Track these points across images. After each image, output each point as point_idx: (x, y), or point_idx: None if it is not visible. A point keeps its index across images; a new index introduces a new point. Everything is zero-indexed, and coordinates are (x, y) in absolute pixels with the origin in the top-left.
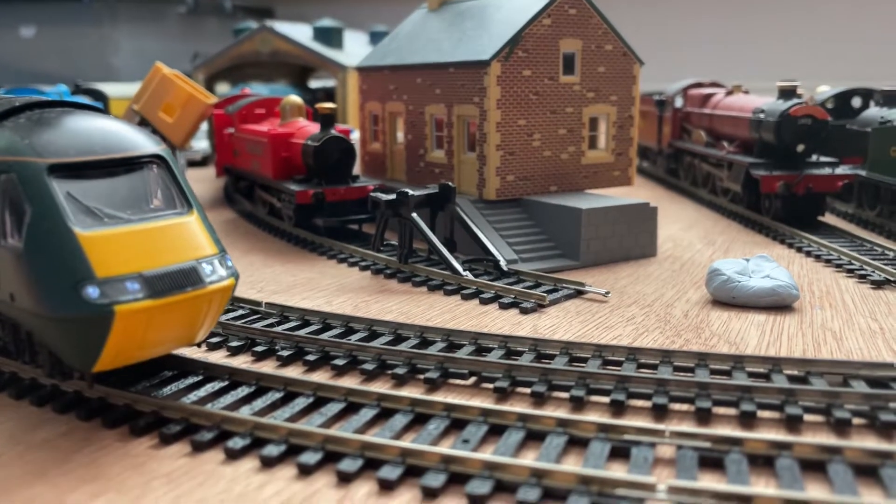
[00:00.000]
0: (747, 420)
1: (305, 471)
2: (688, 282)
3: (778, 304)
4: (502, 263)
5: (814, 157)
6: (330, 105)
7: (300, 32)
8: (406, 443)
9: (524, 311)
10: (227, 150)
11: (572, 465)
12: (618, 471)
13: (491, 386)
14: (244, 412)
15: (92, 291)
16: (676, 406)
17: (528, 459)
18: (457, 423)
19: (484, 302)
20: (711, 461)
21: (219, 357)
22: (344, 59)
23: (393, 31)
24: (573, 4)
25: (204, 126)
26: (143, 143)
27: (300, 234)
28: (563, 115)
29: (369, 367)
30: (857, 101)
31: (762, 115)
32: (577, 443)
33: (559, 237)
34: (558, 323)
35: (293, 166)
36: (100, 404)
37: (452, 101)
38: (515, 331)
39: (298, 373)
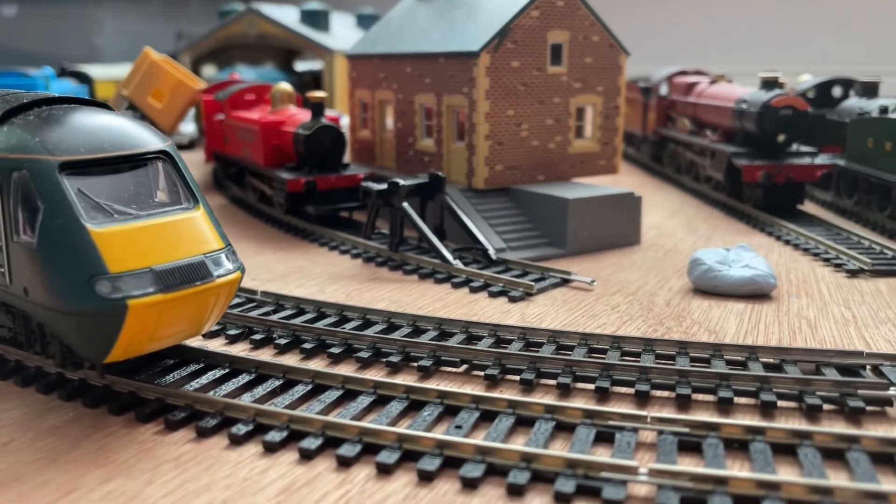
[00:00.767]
0: (725, 406)
1: (307, 456)
2: (670, 270)
3: (756, 292)
4: (491, 252)
5: (794, 147)
6: (320, 94)
7: (287, 15)
8: (402, 429)
9: (513, 300)
10: (216, 136)
11: (560, 449)
12: (602, 455)
13: (482, 373)
14: (246, 399)
15: (105, 287)
16: (658, 393)
17: (518, 444)
18: (450, 409)
19: (474, 290)
20: (690, 445)
21: (218, 345)
22: (331, 42)
23: (383, 18)
24: None
25: (191, 110)
26: (150, 139)
27: (291, 221)
28: (550, 106)
29: (364, 355)
30: (837, 91)
31: (744, 106)
32: (564, 428)
33: (546, 226)
34: (545, 311)
35: (284, 154)
36: (105, 391)
37: (442, 91)
38: (504, 319)
39: (296, 361)
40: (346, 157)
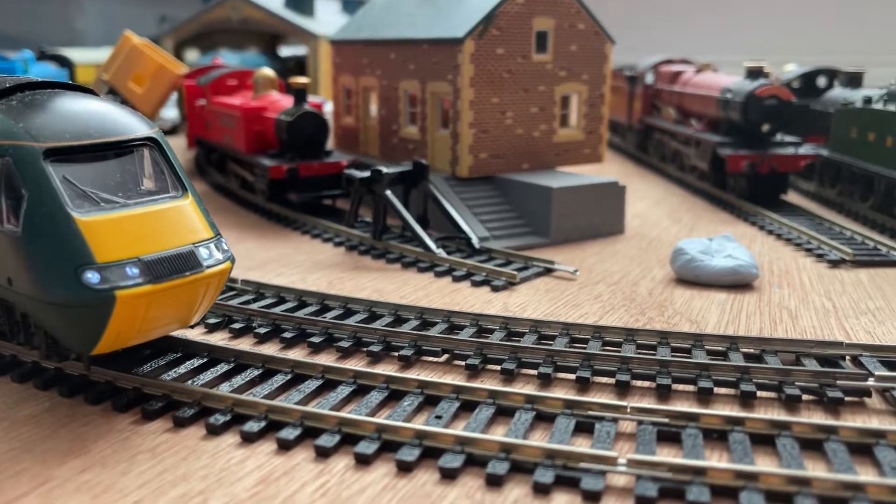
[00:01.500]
0: (704, 396)
1: (285, 446)
2: (653, 260)
3: (738, 282)
4: (474, 241)
5: (778, 137)
6: (303, 79)
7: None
8: (381, 419)
9: (495, 289)
10: (198, 121)
11: (539, 440)
12: (582, 445)
13: (463, 363)
14: (224, 389)
15: (92, 277)
16: (638, 383)
17: (498, 435)
18: (430, 399)
19: (456, 279)
20: (670, 436)
21: (196, 334)
22: (316, 28)
23: (368, 3)
24: None
25: (173, 95)
26: (137, 125)
27: (273, 208)
28: (535, 94)
29: (345, 344)
30: (822, 81)
31: (729, 95)
32: (544, 418)
33: (530, 215)
34: (528, 300)
35: (266, 140)
36: (82, 381)
37: (426, 78)
38: (486, 308)
39: (275, 350)
40: (330, 144)
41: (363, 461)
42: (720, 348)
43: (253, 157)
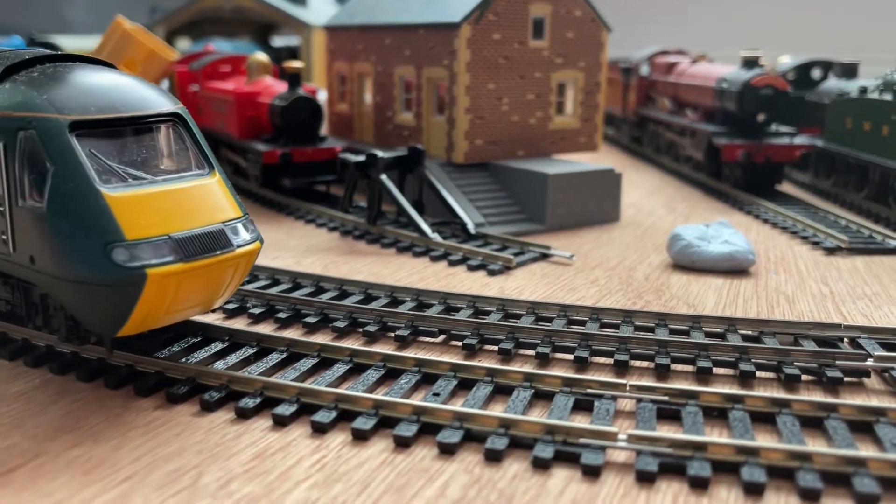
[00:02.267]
0: (703, 376)
1: (280, 422)
2: (650, 246)
3: (735, 268)
4: (470, 226)
5: (773, 127)
6: (297, 64)
7: None
8: (379, 395)
9: (491, 273)
10: (190, 107)
11: (538, 417)
12: (581, 422)
13: (460, 343)
14: (219, 367)
15: (122, 255)
16: (637, 363)
17: (497, 411)
18: (427, 378)
19: (452, 264)
20: (669, 414)
21: None
22: (309, 17)
23: None
24: None
25: (164, 81)
26: (162, 100)
27: (267, 194)
28: (531, 80)
29: (341, 325)
30: (817, 73)
31: (725, 85)
32: (542, 396)
33: (526, 201)
34: (524, 284)
35: (259, 126)
36: (73, 358)
37: (422, 63)
38: (483, 292)
39: (270, 330)
40: (324, 131)
41: (360, 437)
42: (718, 330)
43: (246, 142)
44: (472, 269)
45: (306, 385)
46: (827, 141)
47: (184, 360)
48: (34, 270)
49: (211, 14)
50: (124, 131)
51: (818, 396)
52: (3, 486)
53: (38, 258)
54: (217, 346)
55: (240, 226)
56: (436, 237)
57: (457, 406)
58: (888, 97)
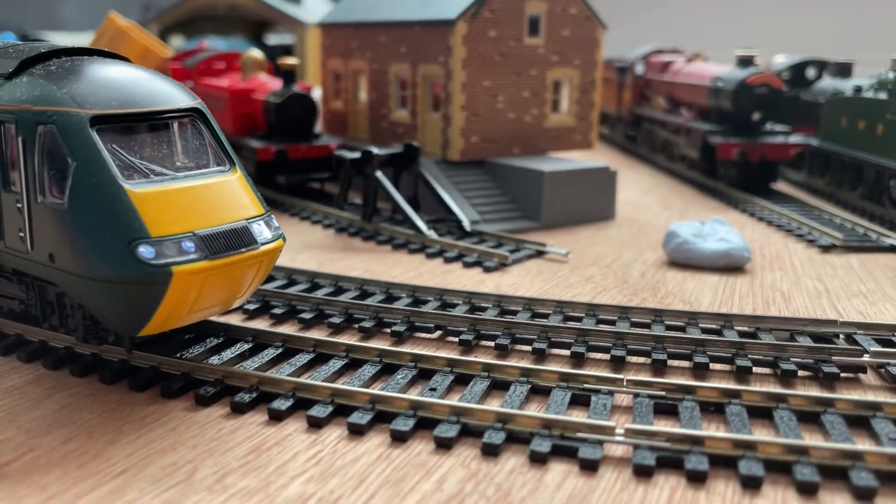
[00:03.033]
0: (700, 371)
1: (276, 416)
2: (645, 244)
3: (731, 265)
4: (465, 224)
5: (768, 126)
6: (292, 61)
7: None
8: (375, 390)
9: (487, 270)
10: None
11: (535, 412)
12: (578, 417)
13: (456, 339)
14: (214, 362)
15: (147, 251)
16: (633, 359)
17: (494, 406)
18: (424, 373)
19: (448, 261)
20: (666, 408)
21: None
22: (303, 15)
23: None
24: None
25: None
26: (181, 96)
27: (261, 191)
28: (527, 78)
29: (337, 320)
30: (811, 72)
31: (720, 83)
32: (539, 392)
33: (522, 199)
34: (520, 281)
35: (254, 122)
36: (67, 353)
37: (417, 60)
38: (479, 288)
39: (265, 325)
40: (318, 128)
41: (357, 431)
42: (714, 326)
43: (240, 139)
44: (467, 266)
45: (302, 380)
46: (821, 140)
47: (178, 355)
48: (53, 268)
49: (205, 11)
50: (144, 126)
51: (814, 391)
52: None
53: (58, 256)
54: (213, 342)
55: (262, 223)
56: (431, 234)
57: (454, 401)
58: (882, 96)
